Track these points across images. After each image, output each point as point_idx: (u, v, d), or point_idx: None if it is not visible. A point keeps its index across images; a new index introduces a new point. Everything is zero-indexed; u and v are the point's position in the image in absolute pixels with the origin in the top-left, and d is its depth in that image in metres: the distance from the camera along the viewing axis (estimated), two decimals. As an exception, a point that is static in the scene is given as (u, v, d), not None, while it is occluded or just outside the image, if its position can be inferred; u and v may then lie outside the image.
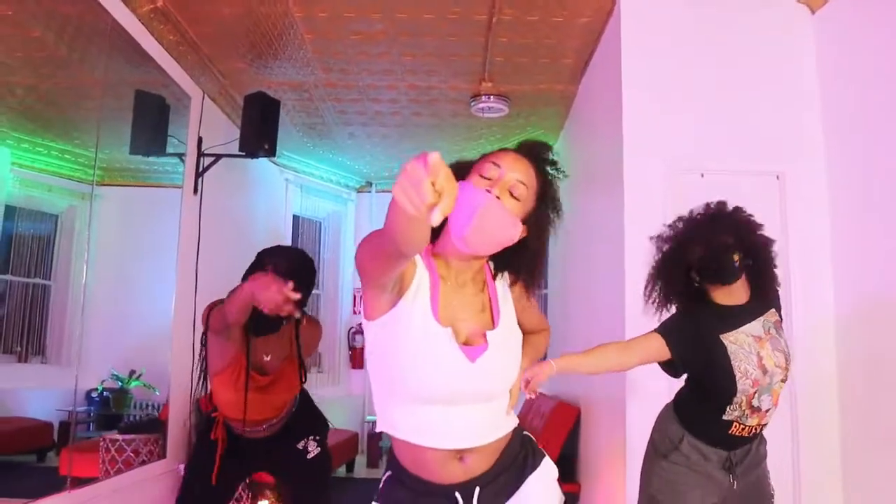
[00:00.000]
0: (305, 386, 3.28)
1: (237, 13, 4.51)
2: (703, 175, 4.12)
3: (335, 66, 5.33)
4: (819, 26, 4.23)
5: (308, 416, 3.12)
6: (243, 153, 5.48)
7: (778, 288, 2.63)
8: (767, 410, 2.42)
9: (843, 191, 4.00)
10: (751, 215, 2.54)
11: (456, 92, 5.76)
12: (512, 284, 1.73)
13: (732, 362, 2.38)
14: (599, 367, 2.50)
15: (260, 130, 5.36)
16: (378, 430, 1.66)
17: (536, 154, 1.65)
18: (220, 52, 5.14)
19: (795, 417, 3.92)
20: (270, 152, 5.43)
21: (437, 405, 1.55)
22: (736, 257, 2.42)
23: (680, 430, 2.48)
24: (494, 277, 1.71)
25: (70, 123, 5.82)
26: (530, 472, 1.69)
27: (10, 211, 5.41)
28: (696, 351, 2.43)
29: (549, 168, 1.66)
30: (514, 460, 1.70)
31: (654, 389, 3.26)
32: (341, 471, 7.04)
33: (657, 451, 2.54)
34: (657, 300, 2.55)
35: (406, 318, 1.53)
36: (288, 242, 7.66)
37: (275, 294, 2.22)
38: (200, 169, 5.51)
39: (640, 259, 3.29)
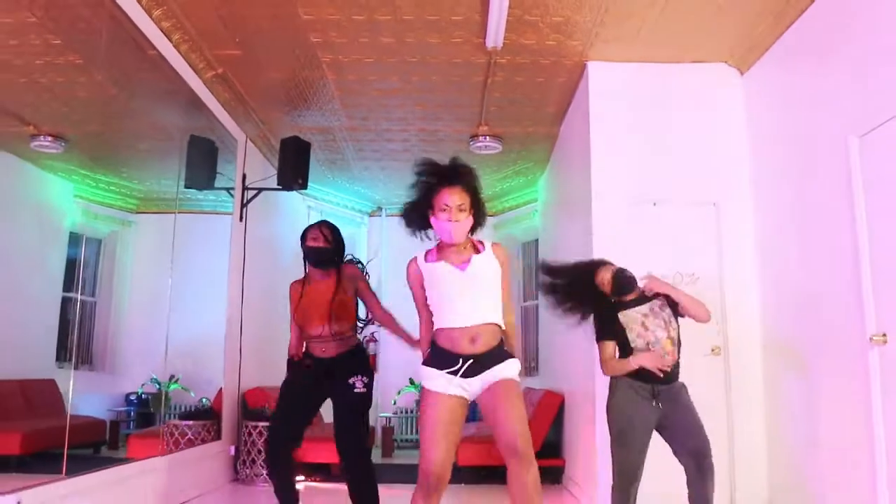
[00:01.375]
0: None
1: (283, 77, 5.61)
2: (654, 204, 5.19)
3: (357, 115, 6.43)
4: (747, 84, 5.33)
5: (360, 363, 3.94)
6: (280, 187, 6.55)
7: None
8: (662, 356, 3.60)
9: (765, 215, 5.07)
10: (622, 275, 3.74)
11: (458, 133, 6.86)
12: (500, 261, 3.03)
13: (625, 326, 3.64)
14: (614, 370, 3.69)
15: (294, 168, 6.41)
16: (436, 328, 2.95)
17: (461, 178, 2.91)
18: (262, 104, 6.22)
19: (728, 367, 5.03)
20: (303, 186, 6.49)
21: (457, 300, 2.88)
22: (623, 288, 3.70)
23: (617, 378, 3.67)
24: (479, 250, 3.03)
25: (121, 161, 6.80)
26: (505, 359, 2.92)
27: (74, 237, 6.38)
28: (612, 328, 3.67)
29: (470, 181, 2.93)
30: (497, 355, 2.91)
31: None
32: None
33: (610, 394, 3.70)
34: (574, 315, 3.78)
35: (434, 279, 2.94)
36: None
37: None
38: (244, 200, 6.57)
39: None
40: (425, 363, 2.96)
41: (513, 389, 2.86)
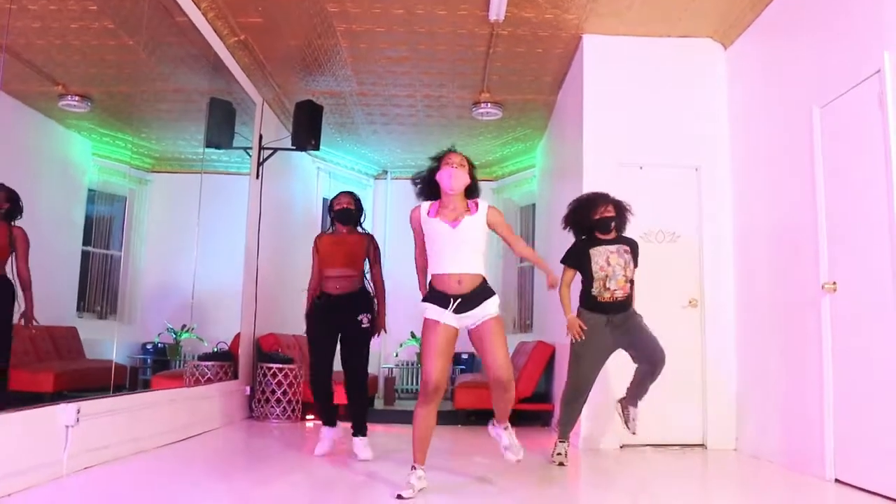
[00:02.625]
0: None
1: (299, 44, 6.04)
2: (641, 167, 5.65)
3: (368, 81, 6.87)
4: (729, 58, 5.76)
5: (366, 301, 4.70)
6: (294, 147, 7.00)
7: (632, 239, 4.61)
8: (615, 290, 4.35)
9: (741, 179, 5.54)
10: (621, 200, 4.58)
11: (461, 100, 7.29)
12: (490, 224, 3.61)
13: (591, 258, 4.39)
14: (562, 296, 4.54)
15: (308, 130, 6.86)
16: (430, 274, 3.55)
17: (460, 152, 3.67)
18: (279, 69, 6.65)
19: (703, 317, 5.54)
20: (316, 147, 6.94)
21: (447, 251, 3.49)
22: (613, 223, 4.47)
23: (579, 307, 4.45)
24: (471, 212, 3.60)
25: (142, 122, 7.19)
26: (488, 297, 3.51)
27: (91, 193, 6.78)
28: (579, 258, 4.44)
29: (468, 159, 3.68)
30: (481, 293, 3.51)
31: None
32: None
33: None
34: (571, 230, 4.59)
35: (431, 232, 3.56)
36: (319, 221, 9.18)
37: None
38: (261, 159, 7.02)
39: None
40: (425, 300, 3.61)
41: (497, 327, 3.54)
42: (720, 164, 5.69)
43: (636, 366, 4.50)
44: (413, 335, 9.56)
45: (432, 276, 3.59)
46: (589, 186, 5.58)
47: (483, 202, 3.67)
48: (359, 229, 4.88)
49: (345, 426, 4.79)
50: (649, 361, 4.37)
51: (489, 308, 3.52)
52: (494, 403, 3.71)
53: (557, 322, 6.66)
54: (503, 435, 3.80)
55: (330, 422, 4.76)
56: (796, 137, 4.60)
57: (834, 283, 4.12)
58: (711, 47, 5.80)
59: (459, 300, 3.47)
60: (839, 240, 4.14)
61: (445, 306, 3.48)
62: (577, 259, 4.50)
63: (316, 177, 9.38)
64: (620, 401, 4.63)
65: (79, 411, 3.71)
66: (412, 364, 9.84)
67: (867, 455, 3.81)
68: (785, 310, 4.75)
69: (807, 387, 4.40)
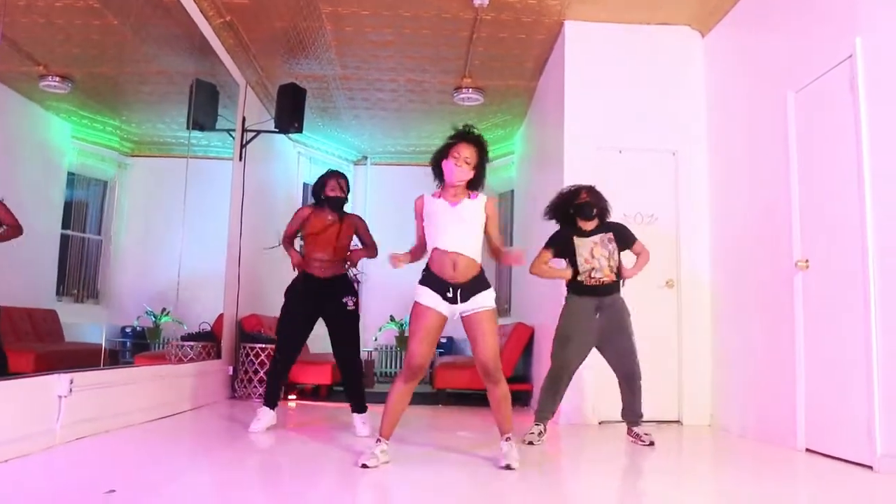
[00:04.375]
0: None
1: (284, 26, 6.08)
2: (620, 152, 5.79)
3: (351, 65, 6.93)
4: (706, 45, 5.92)
5: (349, 286, 4.76)
6: (278, 130, 7.04)
7: (615, 223, 4.69)
8: (601, 278, 4.48)
9: (717, 163, 5.70)
10: (599, 192, 4.67)
11: (443, 85, 7.38)
12: (487, 213, 3.65)
13: (576, 250, 4.51)
14: (540, 272, 4.67)
15: (291, 113, 6.90)
16: (428, 248, 3.60)
17: (476, 142, 3.61)
18: (263, 51, 6.68)
19: (680, 297, 5.70)
20: (299, 130, 6.99)
21: (445, 227, 3.53)
22: (594, 210, 4.58)
23: (568, 293, 4.56)
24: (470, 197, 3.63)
25: (124, 104, 7.16)
26: (484, 289, 3.56)
27: (70, 177, 6.76)
28: (563, 245, 4.56)
29: (481, 148, 3.63)
30: (478, 284, 3.55)
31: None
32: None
33: (564, 306, 4.58)
34: (553, 217, 4.68)
35: (431, 210, 3.54)
36: (300, 203, 9.21)
37: None
38: (244, 142, 7.06)
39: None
40: (421, 283, 3.62)
41: (489, 319, 3.56)
42: (697, 148, 5.85)
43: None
44: (392, 318, 9.65)
45: (430, 254, 3.61)
46: (569, 170, 5.74)
47: (483, 195, 3.70)
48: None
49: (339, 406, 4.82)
50: (623, 373, 4.51)
51: (484, 299, 3.55)
52: (494, 412, 3.64)
53: (537, 301, 6.81)
54: (503, 446, 3.58)
55: (271, 403, 4.68)
56: (771, 121, 4.76)
57: (807, 260, 4.29)
58: (689, 35, 5.96)
59: (460, 289, 3.51)
60: (812, 219, 4.31)
61: (441, 294, 3.52)
62: (561, 245, 4.59)
63: (297, 161, 9.42)
64: (627, 432, 4.62)
65: (72, 381, 3.76)
66: (391, 348, 9.94)
67: (836, 425, 3.99)
68: (759, 288, 4.91)
69: (779, 362, 4.57)
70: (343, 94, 7.74)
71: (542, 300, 6.36)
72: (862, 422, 3.72)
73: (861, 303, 3.77)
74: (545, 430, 4.54)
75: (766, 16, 4.95)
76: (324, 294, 4.66)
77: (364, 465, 3.39)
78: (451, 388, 6.97)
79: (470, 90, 7.34)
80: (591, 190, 4.62)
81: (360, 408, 4.66)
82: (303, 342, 4.78)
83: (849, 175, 3.90)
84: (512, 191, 9.37)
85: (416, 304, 3.59)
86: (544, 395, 4.61)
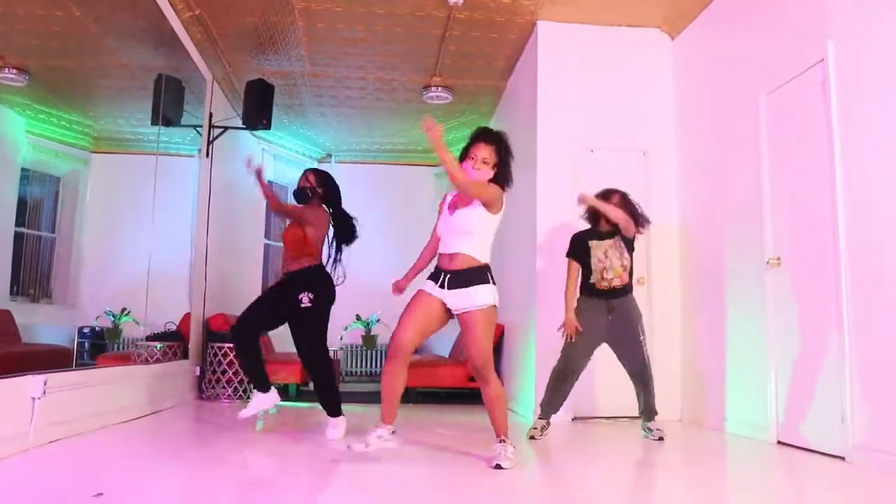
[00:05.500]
0: None
1: (255, 21, 6.00)
2: (592, 151, 5.85)
3: (321, 61, 6.87)
4: (676, 48, 6.02)
5: (309, 281, 4.54)
6: (245, 126, 6.94)
7: (635, 229, 4.67)
8: (612, 279, 4.53)
9: (687, 162, 5.81)
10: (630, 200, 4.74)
11: (412, 83, 7.37)
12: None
13: (591, 251, 4.52)
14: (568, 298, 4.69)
15: (259, 109, 6.79)
16: (438, 252, 3.66)
17: (495, 139, 3.61)
18: (232, 46, 6.58)
19: (651, 294, 5.76)
20: (267, 126, 6.89)
21: (443, 235, 3.63)
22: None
23: (579, 297, 4.62)
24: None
25: (83, 98, 6.95)
26: (478, 283, 3.53)
27: (25, 173, 6.54)
28: (581, 250, 4.59)
29: (502, 146, 3.61)
30: (472, 275, 3.54)
31: (555, 311, 5.01)
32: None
33: (577, 306, 4.64)
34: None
35: (442, 211, 3.73)
36: (264, 202, 9.06)
37: None
38: (210, 138, 6.94)
39: (548, 216, 5.30)
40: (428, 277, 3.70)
41: (481, 319, 3.50)
42: (667, 149, 5.95)
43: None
44: (358, 318, 9.60)
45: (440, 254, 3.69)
46: (542, 170, 5.79)
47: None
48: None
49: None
50: (632, 371, 4.63)
51: (480, 296, 3.50)
52: (489, 414, 3.62)
53: (509, 300, 6.82)
54: (496, 447, 3.51)
55: (261, 385, 4.51)
56: (743, 122, 4.87)
57: (778, 258, 4.40)
58: (659, 37, 6.06)
59: (449, 275, 3.53)
60: (784, 218, 4.42)
61: (436, 280, 3.57)
62: (579, 251, 4.68)
63: (261, 158, 9.28)
64: (643, 427, 4.73)
65: (45, 383, 3.65)
66: (357, 347, 9.88)
67: (808, 418, 4.10)
68: (729, 285, 5.02)
69: (750, 357, 4.68)
70: (310, 90, 7.67)
71: (514, 298, 6.39)
72: (834, 414, 3.83)
73: (833, 299, 3.88)
74: (549, 425, 4.66)
75: (737, 19, 5.06)
76: (284, 291, 4.57)
77: (348, 447, 3.52)
78: (421, 386, 6.96)
79: (439, 89, 7.34)
80: (624, 197, 4.70)
81: (329, 411, 4.48)
82: (258, 323, 4.62)
83: (820, 174, 4.02)
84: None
85: (416, 291, 3.65)
86: (550, 392, 4.70)
